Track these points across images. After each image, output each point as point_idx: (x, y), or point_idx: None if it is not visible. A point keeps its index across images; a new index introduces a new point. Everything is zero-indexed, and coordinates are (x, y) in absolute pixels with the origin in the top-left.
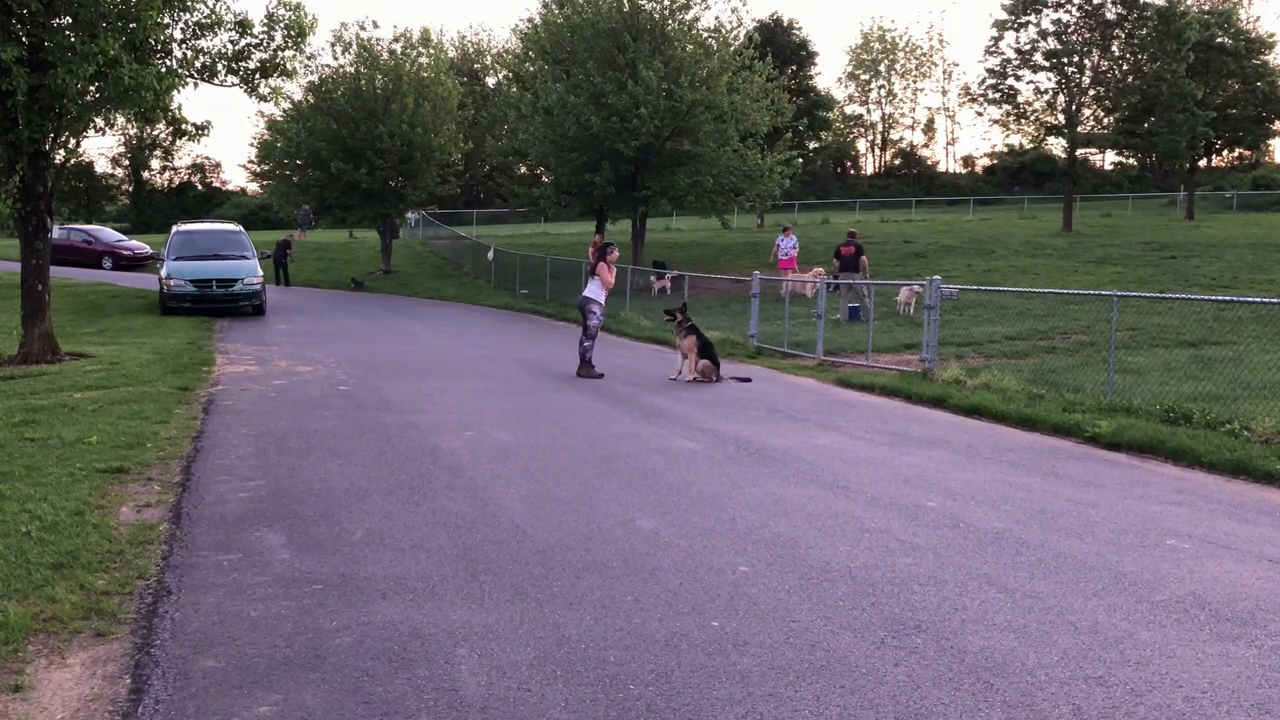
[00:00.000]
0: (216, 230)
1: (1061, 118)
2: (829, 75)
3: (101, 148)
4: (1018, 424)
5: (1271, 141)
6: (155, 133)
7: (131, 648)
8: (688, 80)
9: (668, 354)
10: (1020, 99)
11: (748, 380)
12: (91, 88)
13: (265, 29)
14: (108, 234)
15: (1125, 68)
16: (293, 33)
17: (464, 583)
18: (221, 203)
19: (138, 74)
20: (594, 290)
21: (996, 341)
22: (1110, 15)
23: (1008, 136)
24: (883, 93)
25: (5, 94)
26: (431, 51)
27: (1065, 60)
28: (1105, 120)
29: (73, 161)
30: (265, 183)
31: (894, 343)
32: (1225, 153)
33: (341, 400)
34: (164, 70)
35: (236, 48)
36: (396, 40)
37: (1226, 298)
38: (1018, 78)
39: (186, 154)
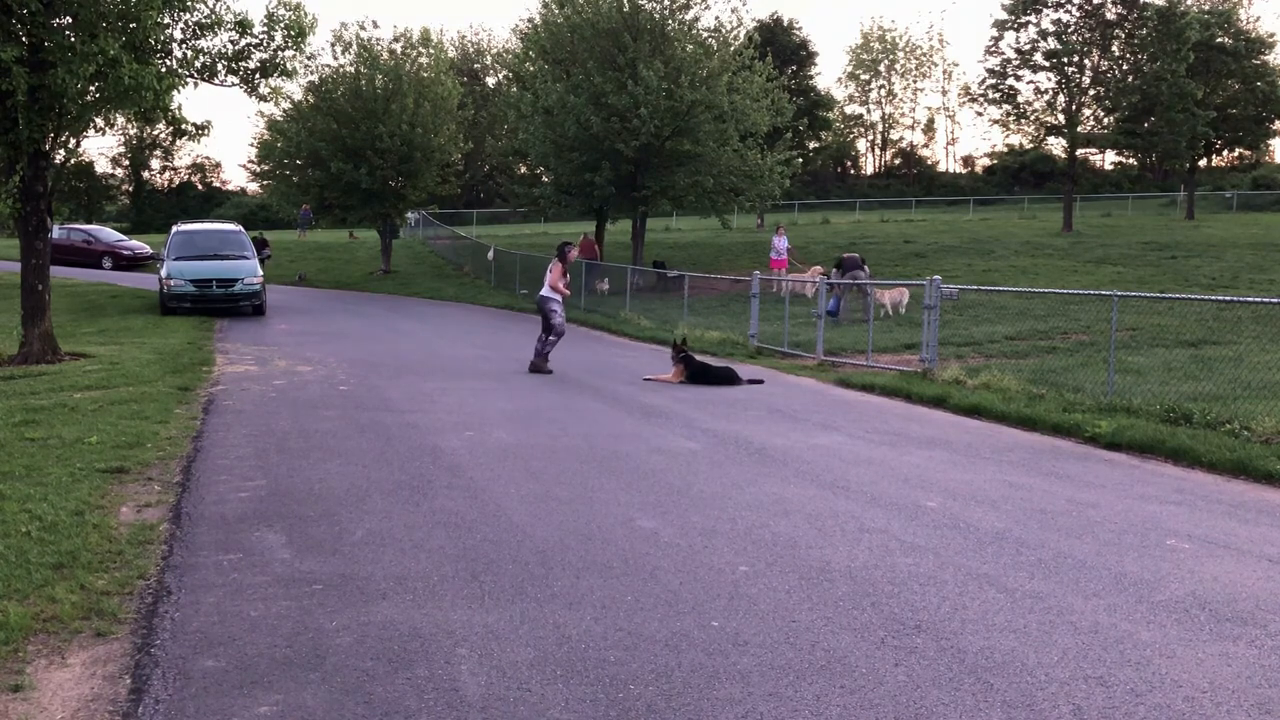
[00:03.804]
0: (216, 230)
1: (1061, 118)
2: (829, 75)
3: (101, 148)
4: (1018, 424)
5: (1271, 141)
6: (155, 133)
7: (131, 648)
8: (688, 80)
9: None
10: (1020, 99)
11: (760, 381)
12: (91, 88)
13: (265, 29)
14: (108, 234)
15: (1125, 68)
16: (293, 33)
17: (464, 583)
18: (221, 203)
19: (138, 74)
20: (549, 289)
21: (996, 341)
22: (1110, 15)
23: (1008, 136)
24: (883, 93)
25: (5, 94)
26: (431, 51)
27: (1065, 60)
28: (1105, 120)
29: (73, 161)
30: (265, 183)
31: (894, 343)
32: (1225, 153)
33: (341, 400)
34: (164, 70)
35: (236, 48)
36: (396, 40)
37: (1226, 298)
38: (1018, 78)
39: (186, 154)
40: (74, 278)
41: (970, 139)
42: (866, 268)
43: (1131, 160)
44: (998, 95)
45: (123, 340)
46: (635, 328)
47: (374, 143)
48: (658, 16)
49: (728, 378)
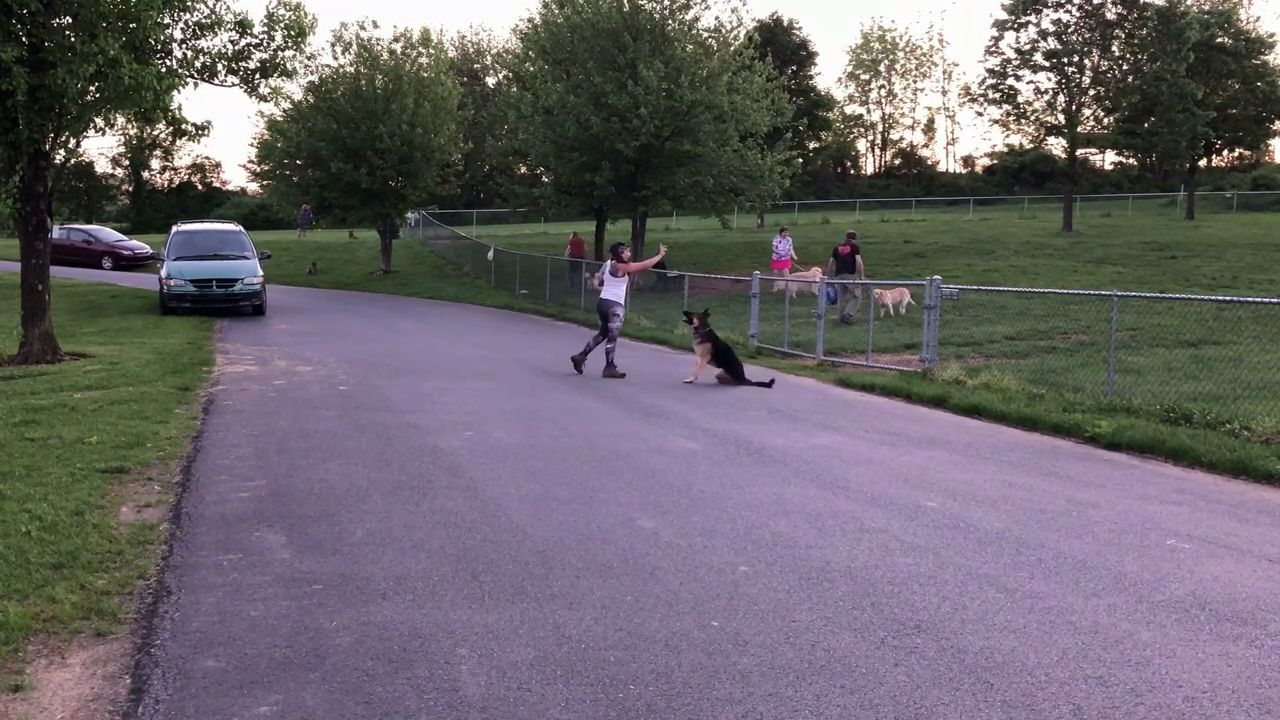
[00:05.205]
0: (216, 230)
1: (1061, 118)
2: (829, 75)
3: (101, 148)
4: (1018, 424)
5: (1271, 141)
6: (155, 133)
7: (131, 648)
8: (688, 80)
9: (668, 354)
10: (1020, 99)
11: (768, 385)
12: (91, 88)
13: (265, 29)
14: (108, 234)
15: (1125, 68)
16: (293, 33)
17: (464, 583)
18: (221, 203)
19: (138, 74)
20: (615, 292)
21: (996, 341)
22: (1110, 15)
23: (1008, 136)
24: (883, 93)
25: (5, 94)
26: (431, 51)
27: (1065, 60)
28: (1105, 120)
29: (73, 161)
30: (265, 183)
31: (894, 343)
32: (1225, 153)
33: (341, 400)
34: (164, 70)
35: (236, 48)
36: (396, 40)
37: (1226, 298)
38: (1018, 78)
39: (186, 154)
40: (74, 278)
41: (970, 139)
42: (859, 258)
43: (1131, 160)
44: (998, 95)
45: (123, 340)
46: (635, 327)
47: (374, 143)
48: (658, 16)
49: (741, 369)
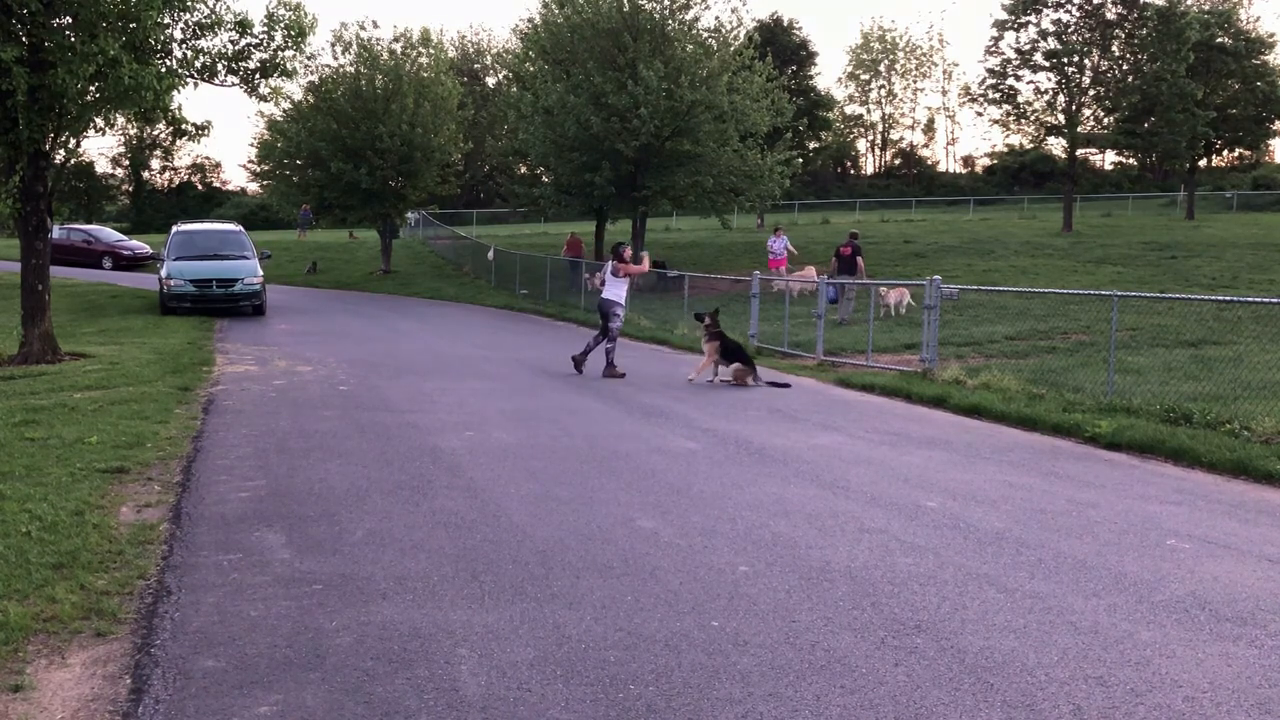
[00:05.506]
0: (216, 230)
1: (1061, 118)
2: (829, 75)
3: (101, 148)
4: (1018, 424)
5: (1271, 141)
6: (155, 133)
7: (131, 648)
8: (688, 80)
9: (668, 354)
10: (1020, 99)
11: (786, 385)
12: (91, 88)
13: (265, 29)
14: (108, 234)
15: (1125, 68)
16: (293, 33)
17: (464, 583)
18: (221, 203)
19: (138, 74)
20: (616, 292)
21: (996, 341)
22: (1110, 15)
23: (1008, 136)
24: (883, 93)
25: (5, 94)
26: (431, 51)
27: (1065, 60)
28: (1105, 120)
29: (73, 161)
30: (265, 183)
31: (894, 343)
32: (1225, 153)
33: (341, 400)
34: (164, 70)
35: (236, 48)
36: (396, 40)
37: (1226, 298)
38: (1018, 78)
39: (186, 154)
40: (74, 278)
41: (970, 139)
42: (860, 259)
43: (1131, 160)
44: (998, 95)
45: (123, 340)
46: (635, 327)
47: (374, 143)
48: (658, 16)
49: (753, 365)
